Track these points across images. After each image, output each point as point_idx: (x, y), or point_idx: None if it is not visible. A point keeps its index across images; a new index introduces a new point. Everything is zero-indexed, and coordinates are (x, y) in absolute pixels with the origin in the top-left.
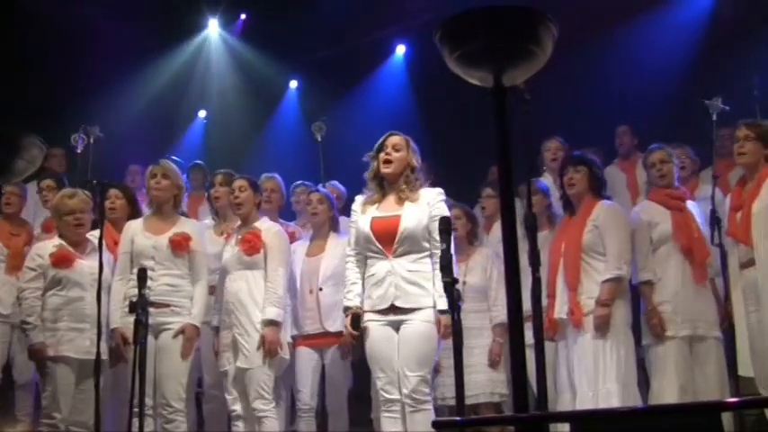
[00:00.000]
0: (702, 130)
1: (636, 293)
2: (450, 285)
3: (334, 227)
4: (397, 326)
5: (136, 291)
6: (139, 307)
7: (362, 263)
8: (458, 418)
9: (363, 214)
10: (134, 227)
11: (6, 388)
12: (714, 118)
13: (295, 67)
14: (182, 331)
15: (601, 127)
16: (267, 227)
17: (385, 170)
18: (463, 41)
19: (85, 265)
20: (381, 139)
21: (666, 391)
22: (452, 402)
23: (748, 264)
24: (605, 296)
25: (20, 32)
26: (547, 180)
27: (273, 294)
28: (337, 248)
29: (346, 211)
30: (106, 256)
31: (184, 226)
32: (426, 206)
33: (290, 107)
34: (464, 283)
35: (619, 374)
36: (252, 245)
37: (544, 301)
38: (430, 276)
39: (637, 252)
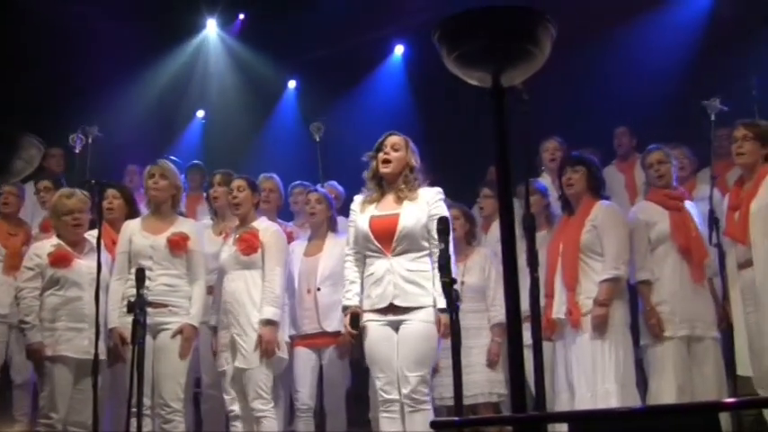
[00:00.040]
0: (701, 131)
1: (634, 294)
2: (449, 285)
3: (333, 227)
4: (396, 326)
5: (134, 291)
6: (137, 307)
7: (361, 262)
8: (456, 419)
9: (362, 213)
10: (132, 226)
11: (4, 388)
12: (712, 118)
13: (293, 67)
14: (180, 331)
15: (599, 127)
16: (265, 226)
17: (384, 170)
18: (462, 41)
19: (84, 265)
20: (380, 139)
21: (664, 392)
22: (451, 402)
23: (746, 264)
24: (603, 296)
25: (18, 31)
26: (545, 180)
27: (271, 294)
28: (335, 248)
29: (344, 212)
30: (104, 255)
31: (182, 226)
32: (425, 205)
33: (289, 107)
34: (462, 282)
35: (617, 374)
36: (249, 244)
37: (542, 301)
38: (429, 275)
39: (635, 252)
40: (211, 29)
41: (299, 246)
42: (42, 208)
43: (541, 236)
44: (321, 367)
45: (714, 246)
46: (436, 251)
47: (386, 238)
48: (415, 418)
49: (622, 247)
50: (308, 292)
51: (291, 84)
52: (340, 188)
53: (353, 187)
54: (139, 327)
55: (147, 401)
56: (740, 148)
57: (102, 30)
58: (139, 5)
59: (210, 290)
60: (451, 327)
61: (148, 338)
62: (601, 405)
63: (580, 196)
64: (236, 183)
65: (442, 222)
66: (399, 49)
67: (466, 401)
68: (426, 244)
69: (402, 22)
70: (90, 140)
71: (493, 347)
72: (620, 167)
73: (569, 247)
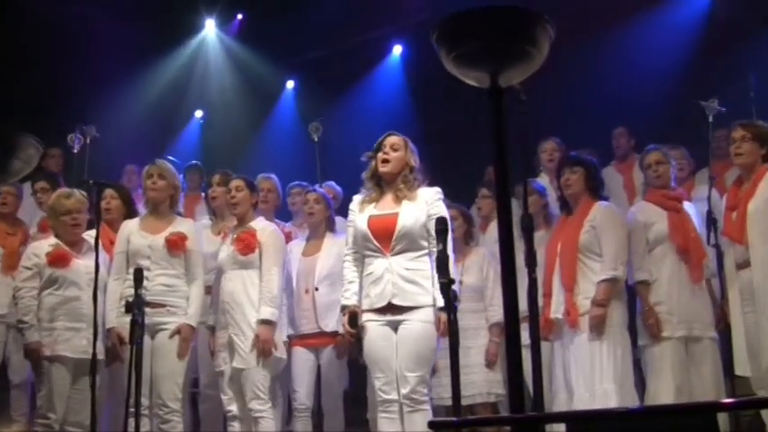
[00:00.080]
0: (699, 132)
1: (632, 294)
2: (447, 286)
3: (331, 227)
4: (395, 326)
5: (132, 291)
6: (135, 307)
7: (360, 262)
8: (454, 419)
9: (361, 213)
10: (130, 226)
11: (2, 388)
12: (710, 119)
13: (292, 67)
14: (178, 331)
15: (597, 128)
16: (262, 226)
17: (382, 169)
18: (460, 42)
19: (82, 265)
20: (380, 139)
21: (662, 392)
22: (449, 402)
23: (744, 264)
24: (601, 296)
25: (16, 31)
26: (543, 180)
27: (268, 294)
28: (333, 248)
29: (342, 212)
30: (102, 255)
31: (180, 226)
32: (424, 205)
33: (287, 107)
34: (460, 282)
35: (616, 375)
36: (247, 244)
37: (540, 301)
38: (428, 275)
39: (633, 252)
40: (210, 29)
41: (297, 246)
42: (40, 209)
43: (539, 236)
44: (319, 367)
45: (712, 246)
46: (435, 251)
47: (385, 237)
48: (414, 419)
49: (621, 247)
50: (306, 292)
51: (290, 84)
52: (338, 188)
53: (352, 187)
54: (137, 327)
55: (145, 402)
56: (738, 148)
57: (101, 29)
58: (138, 6)
59: (209, 290)
60: (449, 327)
61: (146, 338)
62: (599, 405)
63: (578, 197)
64: (235, 183)
65: (441, 223)
66: (398, 50)
67: (464, 402)
68: (425, 243)
69: (400, 23)
70: (88, 140)
71: (491, 347)
72: (619, 168)
73: (567, 248)
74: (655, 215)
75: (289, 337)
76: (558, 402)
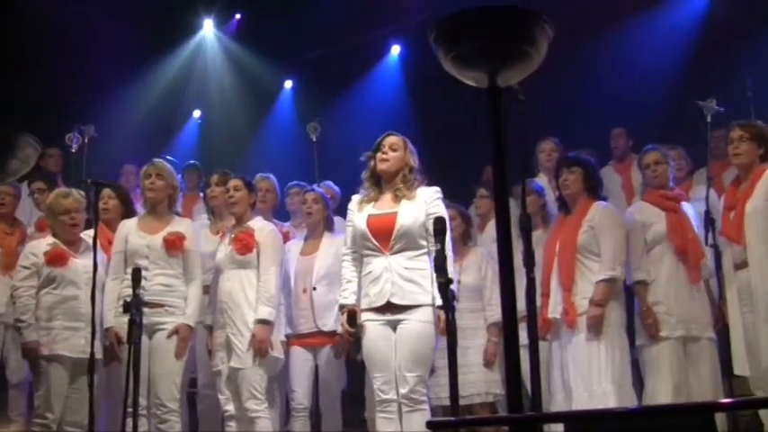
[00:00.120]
0: (697, 132)
1: (630, 295)
2: (445, 286)
3: (329, 226)
4: (394, 325)
5: (130, 290)
6: (133, 307)
7: (358, 261)
8: (452, 419)
9: (360, 212)
10: (128, 226)
11: (0, 388)
12: (708, 119)
13: (290, 67)
14: (176, 331)
15: (595, 128)
16: (260, 226)
17: (381, 166)
18: (458, 42)
19: (80, 264)
20: (379, 139)
21: (660, 392)
22: (447, 402)
23: (742, 264)
24: (599, 296)
25: (15, 30)
26: (542, 180)
27: (266, 294)
28: (331, 247)
29: (340, 212)
30: (100, 255)
31: (179, 225)
32: (423, 204)
33: (285, 107)
34: (458, 282)
35: (614, 375)
36: (244, 244)
37: (538, 301)
38: (427, 274)
39: (631, 253)
40: (208, 29)
41: (295, 245)
42: (37, 209)
43: (537, 235)
44: (317, 367)
45: (710, 246)
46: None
47: (383, 236)
48: (413, 418)
49: (619, 247)
50: (304, 291)
51: (288, 84)
52: (336, 188)
53: (350, 187)
54: (135, 327)
55: (142, 401)
56: (736, 148)
57: (100, 29)
58: (137, 6)
59: (207, 289)
60: (447, 327)
61: (144, 338)
62: (597, 405)
63: (577, 197)
64: (233, 182)
65: (439, 223)
66: (396, 50)
67: (462, 401)
68: (424, 242)
69: (398, 23)
70: (86, 140)
71: (489, 347)
72: (617, 168)
73: (566, 248)
74: (653, 215)
75: (287, 336)
76: (556, 402)
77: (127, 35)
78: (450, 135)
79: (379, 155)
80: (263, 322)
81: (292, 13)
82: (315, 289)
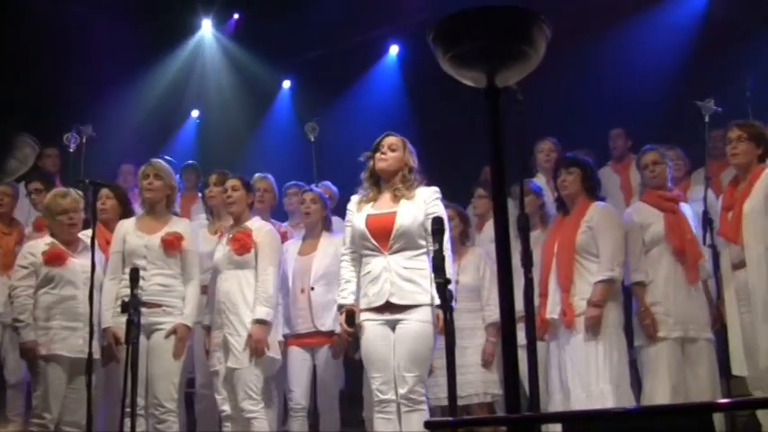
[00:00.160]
0: (695, 132)
1: (628, 295)
2: (443, 286)
3: (327, 226)
4: (393, 325)
5: (128, 290)
6: (131, 307)
7: (357, 261)
8: (450, 419)
9: (359, 212)
10: (126, 226)
11: None
12: (707, 119)
13: (288, 67)
14: (174, 331)
15: (594, 128)
16: (258, 226)
17: (380, 165)
18: (456, 42)
19: (78, 264)
20: (378, 139)
21: (658, 392)
22: (445, 402)
23: (740, 264)
24: (597, 297)
25: (13, 30)
26: (540, 181)
27: (263, 294)
28: (330, 247)
29: (338, 212)
30: (98, 255)
31: (177, 225)
32: (422, 204)
33: (283, 107)
34: (457, 282)
35: (612, 375)
36: (242, 244)
37: (536, 302)
38: (426, 274)
39: (629, 253)
40: (207, 29)
41: (293, 245)
42: (34, 209)
43: (535, 235)
44: (315, 367)
45: (708, 246)
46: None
47: (382, 236)
48: (412, 418)
49: (617, 248)
50: (302, 291)
51: (286, 84)
52: (334, 188)
53: (348, 188)
54: (133, 327)
55: (140, 401)
56: (734, 148)
57: (99, 30)
58: (136, 6)
59: (205, 289)
60: (446, 327)
61: (142, 338)
62: (595, 405)
63: (575, 197)
64: (231, 182)
65: (437, 223)
66: (394, 50)
67: (460, 402)
68: (423, 242)
69: (397, 23)
70: (84, 140)
71: (487, 347)
72: (616, 168)
73: (564, 248)
74: (651, 216)
75: (284, 336)
76: (554, 403)
77: (125, 35)
78: (448, 135)
79: (378, 155)
80: (260, 322)
81: (290, 13)
82: (313, 289)
